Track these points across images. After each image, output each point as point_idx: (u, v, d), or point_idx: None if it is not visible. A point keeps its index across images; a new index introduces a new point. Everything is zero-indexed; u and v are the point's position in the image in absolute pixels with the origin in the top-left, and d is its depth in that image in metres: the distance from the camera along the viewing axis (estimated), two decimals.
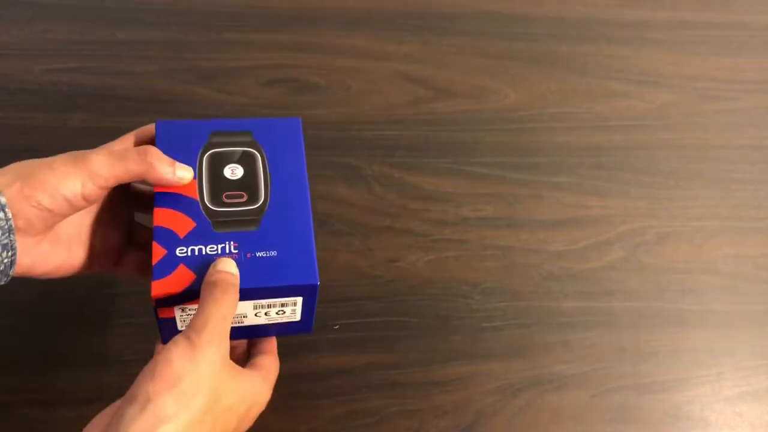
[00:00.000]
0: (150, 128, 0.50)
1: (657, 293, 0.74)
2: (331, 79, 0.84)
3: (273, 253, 0.45)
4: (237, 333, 0.49)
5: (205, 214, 0.46)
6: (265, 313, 0.47)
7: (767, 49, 0.92)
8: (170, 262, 0.44)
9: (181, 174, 0.46)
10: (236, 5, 0.88)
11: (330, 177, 0.77)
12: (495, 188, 0.78)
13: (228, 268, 0.44)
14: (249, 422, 0.45)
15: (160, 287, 0.43)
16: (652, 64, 0.89)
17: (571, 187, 0.79)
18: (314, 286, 0.46)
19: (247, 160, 0.49)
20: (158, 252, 0.44)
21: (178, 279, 0.44)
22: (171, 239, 0.45)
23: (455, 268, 0.73)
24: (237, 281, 0.43)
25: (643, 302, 0.73)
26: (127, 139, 0.49)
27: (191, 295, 0.44)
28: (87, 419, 0.58)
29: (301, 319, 0.49)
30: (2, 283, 0.43)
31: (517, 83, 0.86)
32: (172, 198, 0.47)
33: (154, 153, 0.45)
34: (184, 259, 0.44)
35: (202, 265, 0.44)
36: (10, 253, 0.41)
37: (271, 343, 0.51)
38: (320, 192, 0.76)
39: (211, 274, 0.43)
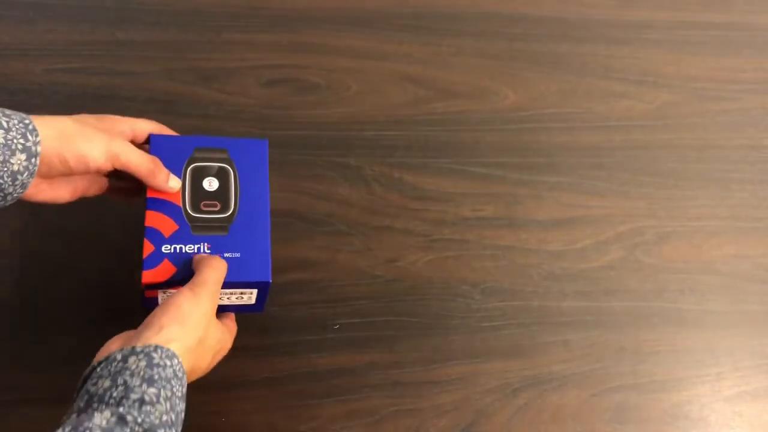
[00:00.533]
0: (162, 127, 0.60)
1: (656, 293, 0.74)
2: (331, 79, 0.84)
3: (237, 254, 0.56)
4: None
5: (186, 219, 0.56)
6: (228, 298, 0.58)
7: (767, 49, 0.92)
8: (157, 257, 0.54)
9: (173, 184, 0.57)
10: (236, 5, 0.88)
11: (330, 177, 0.77)
12: (495, 188, 0.79)
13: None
14: (214, 362, 0.56)
15: (148, 276, 0.54)
16: (651, 64, 0.89)
17: (571, 187, 0.79)
18: (267, 283, 0.56)
19: (222, 175, 0.59)
20: (148, 248, 0.55)
21: (163, 271, 0.54)
22: (158, 238, 0.55)
23: (455, 268, 0.73)
24: None
25: (642, 302, 0.73)
26: (146, 125, 0.58)
27: (172, 284, 0.54)
28: None
29: (255, 303, 0.59)
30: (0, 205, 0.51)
31: (517, 83, 0.86)
32: (160, 203, 0.56)
33: (159, 164, 0.56)
34: (168, 255, 0.55)
35: (182, 261, 0.55)
36: (21, 191, 0.50)
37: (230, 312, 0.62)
38: (320, 192, 0.76)
39: (201, 255, 0.55)
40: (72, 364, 0.65)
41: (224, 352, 0.57)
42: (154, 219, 0.56)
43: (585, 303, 0.73)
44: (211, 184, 0.58)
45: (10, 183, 0.48)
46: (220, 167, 0.59)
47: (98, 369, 0.45)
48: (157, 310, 0.50)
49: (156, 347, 0.46)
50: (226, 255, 0.55)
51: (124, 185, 0.59)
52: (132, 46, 0.84)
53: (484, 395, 0.67)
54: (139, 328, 0.49)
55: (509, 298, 0.72)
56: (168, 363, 0.46)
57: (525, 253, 0.75)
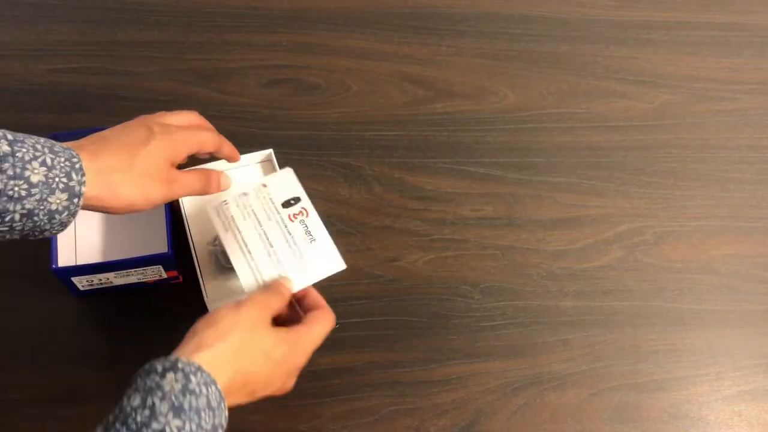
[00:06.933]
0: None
1: (655, 293, 0.74)
2: (331, 79, 0.84)
3: None
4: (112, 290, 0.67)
5: None
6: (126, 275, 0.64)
7: (766, 50, 0.92)
8: None
9: (225, 185, 0.59)
10: (236, 5, 0.89)
11: (330, 177, 0.77)
12: (494, 188, 0.79)
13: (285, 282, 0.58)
14: (288, 369, 0.53)
15: None
16: (650, 64, 0.89)
17: (570, 187, 0.80)
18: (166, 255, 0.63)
19: None
20: None
21: None
22: None
23: (455, 267, 0.73)
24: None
25: (641, 302, 0.73)
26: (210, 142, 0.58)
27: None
28: (87, 418, 0.58)
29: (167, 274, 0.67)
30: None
31: (516, 84, 0.86)
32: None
33: (208, 175, 0.58)
34: None
35: None
36: (59, 229, 0.48)
37: (312, 298, 0.59)
38: (320, 192, 0.76)
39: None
40: (72, 364, 0.65)
41: (300, 354, 0.54)
42: None
43: (584, 303, 0.73)
44: None
45: (47, 221, 0.46)
46: None
47: (138, 380, 0.45)
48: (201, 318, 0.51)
49: (198, 369, 0.45)
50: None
51: None
52: (132, 46, 0.84)
53: (484, 395, 0.67)
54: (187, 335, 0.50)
55: (509, 297, 0.72)
56: (204, 391, 0.45)
57: (525, 253, 0.75)
